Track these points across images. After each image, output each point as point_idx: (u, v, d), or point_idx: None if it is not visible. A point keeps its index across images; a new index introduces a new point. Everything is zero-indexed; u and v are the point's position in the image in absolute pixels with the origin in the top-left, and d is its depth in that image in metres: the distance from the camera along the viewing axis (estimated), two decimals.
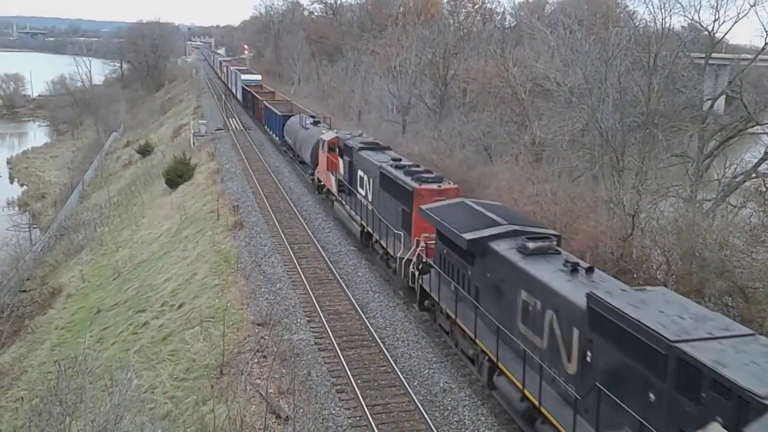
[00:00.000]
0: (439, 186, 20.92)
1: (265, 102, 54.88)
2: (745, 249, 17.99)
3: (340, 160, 28.71)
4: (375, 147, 26.95)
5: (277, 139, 47.30)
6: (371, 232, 24.28)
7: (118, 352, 20.89)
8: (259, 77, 75.95)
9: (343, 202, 28.19)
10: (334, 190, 29.68)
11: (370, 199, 24.70)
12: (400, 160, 24.46)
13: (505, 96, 40.71)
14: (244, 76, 74.07)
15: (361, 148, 26.37)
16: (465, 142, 37.86)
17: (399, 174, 22.28)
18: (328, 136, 31.51)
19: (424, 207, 18.66)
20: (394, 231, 21.67)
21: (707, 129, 29.72)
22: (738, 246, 18.30)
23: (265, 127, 53.72)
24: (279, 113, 46.70)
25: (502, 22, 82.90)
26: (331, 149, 30.10)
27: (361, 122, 54.13)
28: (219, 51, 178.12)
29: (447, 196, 20.03)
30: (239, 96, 74.89)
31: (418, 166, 23.94)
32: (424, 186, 20.78)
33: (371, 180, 24.61)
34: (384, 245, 22.53)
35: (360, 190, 26.02)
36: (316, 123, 39.66)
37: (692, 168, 28.34)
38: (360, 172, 25.99)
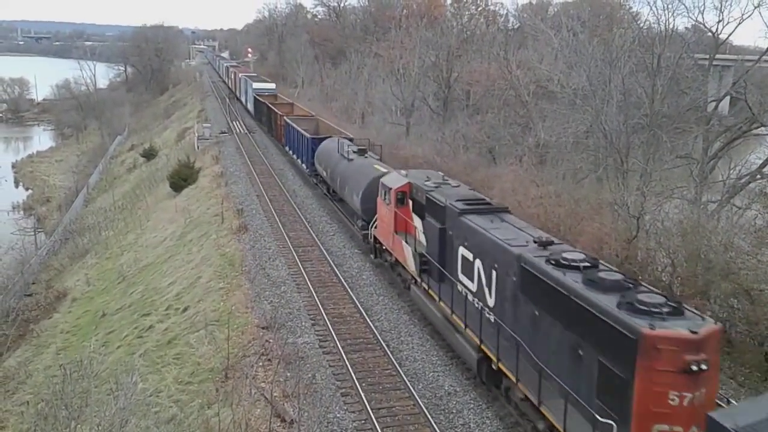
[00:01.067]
0: (695, 333, 10.04)
1: (286, 119, 44.77)
2: (750, 251, 17.93)
3: (421, 223, 19.19)
4: (487, 209, 16.99)
5: (304, 166, 37.41)
6: (506, 371, 13.97)
7: (123, 355, 20.93)
8: (273, 86, 67.49)
9: (431, 290, 18.21)
10: (411, 267, 19.62)
11: (491, 303, 14.89)
12: (550, 242, 13.91)
13: (509, 98, 40.73)
14: (256, 85, 66.02)
15: (464, 211, 16.58)
16: (469, 144, 37.91)
17: (576, 284, 11.76)
18: (394, 180, 21.26)
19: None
20: (578, 401, 11.27)
21: (712, 130, 29.66)
22: (743, 248, 18.24)
23: (286, 148, 44.20)
24: (308, 136, 36.63)
25: (505, 24, 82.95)
26: (400, 201, 20.48)
27: (364, 124, 54.21)
28: (223, 54, 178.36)
29: (707, 350, 10.15)
30: (250, 107, 67.13)
31: (596, 260, 12.93)
32: (663, 331, 10.08)
33: (494, 273, 14.66)
34: (551, 418, 12.00)
35: (466, 280, 16.20)
36: (362, 152, 29.32)
37: (697, 169, 28.29)
38: (465, 251, 16.19)
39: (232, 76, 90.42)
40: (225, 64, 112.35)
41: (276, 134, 49.73)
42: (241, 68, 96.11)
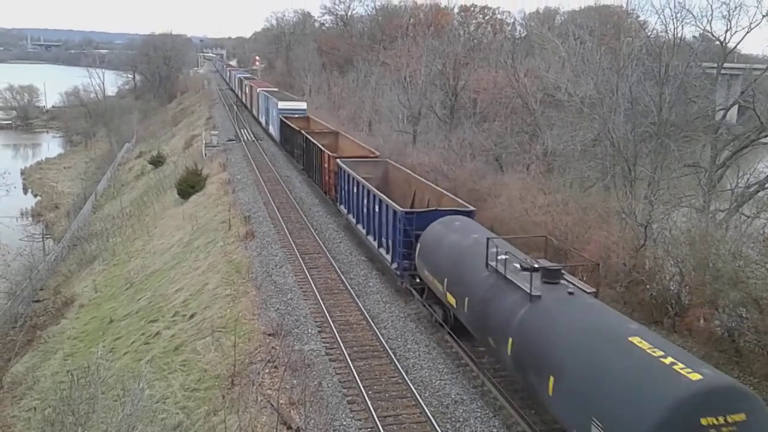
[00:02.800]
0: None
1: (341, 164, 28.94)
2: (759, 260, 17.82)
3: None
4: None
5: (387, 258, 22.74)
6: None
7: (130, 362, 20.95)
8: (304, 105, 53.45)
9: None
10: None
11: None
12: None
13: (516, 106, 40.73)
14: (283, 104, 51.96)
15: None
16: (476, 152, 37.89)
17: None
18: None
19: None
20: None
21: (720, 139, 29.61)
22: (752, 257, 18.14)
23: (341, 207, 29.43)
24: (398, 209, 21.56)
25: (512, 32, 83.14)
26: None
27: (371, 132, 54.30)
28: (231, 62, 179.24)
29: None
30: (274, 131, 53.96)
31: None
32: None
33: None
34: None
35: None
36: (552, 276, 14.22)
37: (705, 178, 28.21)
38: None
39: (247, 90, 78.34)
40: (237, 75, 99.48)
41: (319, 180, 34.31)
42: (259, 81, 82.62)
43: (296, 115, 49.70)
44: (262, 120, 62.89)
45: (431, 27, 71.48)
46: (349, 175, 27.62)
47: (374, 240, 24.24)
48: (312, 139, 37.30)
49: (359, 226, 26.36)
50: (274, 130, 53.96)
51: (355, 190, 26.62)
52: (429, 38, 56.23)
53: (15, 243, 43.32)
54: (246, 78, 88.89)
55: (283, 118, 48.45)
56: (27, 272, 35.94)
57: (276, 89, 70.00)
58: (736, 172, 28.64)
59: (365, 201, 25.14)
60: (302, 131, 40.76)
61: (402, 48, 63.33)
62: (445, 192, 23.62)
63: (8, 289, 33.33)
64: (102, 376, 17.21)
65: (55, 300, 31.74)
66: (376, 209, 23.70)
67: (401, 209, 21.36)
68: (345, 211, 28.61)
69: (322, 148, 34.16)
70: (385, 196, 23.33)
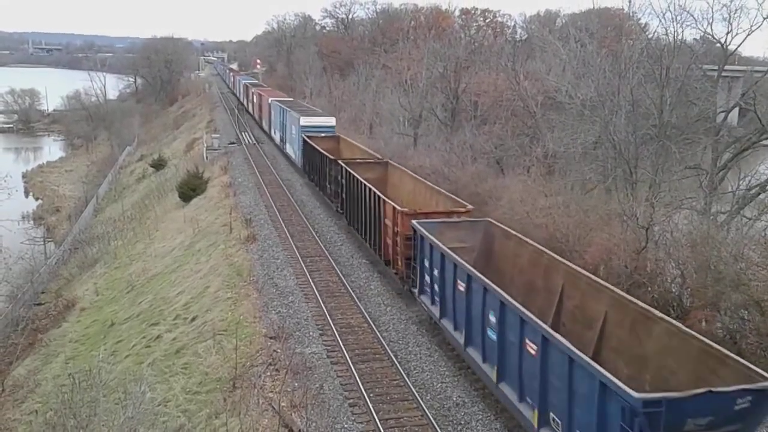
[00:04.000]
0: None
1: (423, 229, 19.18)
2: (760, 262, 17.81)
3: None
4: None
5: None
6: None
7: (131, 365, 20.95)
8: (332, 122, 43.28)
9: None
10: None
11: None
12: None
13: (517, 109, 40.75)
14: (306, 120, 41.99)
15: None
16: (477, 154, 37.90)
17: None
18: None
19: None
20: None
21: (721, 141, 29.61)
22: (753, 259, 18.13)
23: (423, 297, 19.47)
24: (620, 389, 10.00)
25: (513, 35, 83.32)
26: None
27: (372, 135, 54.35)
28: (232, 66, 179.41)
29: None
30: (293, 152, 44.22)
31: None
32: None
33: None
34: None
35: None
36: None
37: (706, 180, 28.21)
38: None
39: (254, 99, 69.10)
40: (242, 81, 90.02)
41: (375, 239, 24.33)
42: (269, 89, 72.05)
43: (323, 134, 39.79)
44: (276, 136, 52.93)
45: (432, 30, 71.61)
46: (437, 252, 17.79)
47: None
48: (356, 175, 26.70)
49: (466, 345, 16.34)
50: (293, 150, 43.66)
51: (451, 278, 16.89)
52: (430, 41, 56.34)
53: (16, 246, 43.34)
54: (253, 84, 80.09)
55: (307, 138, 38.46)
56: (28, 275, 35.97)
57: (290, 99, 60.88)
58: (737, 175, 28.64)
59: (480, 306, 15.20)
60: (340, 162, 29.76)
61: (403, 51, 63.47)
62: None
63: (10, 293, 33.37)
64: (103, 380, 17.19)
65: (57, 303, 31.74)
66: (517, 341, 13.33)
67: (636, 395, 9.66)
68: (431, 305, 18.61)
69: (381, 196, 23.26)
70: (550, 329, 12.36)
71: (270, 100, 57.03)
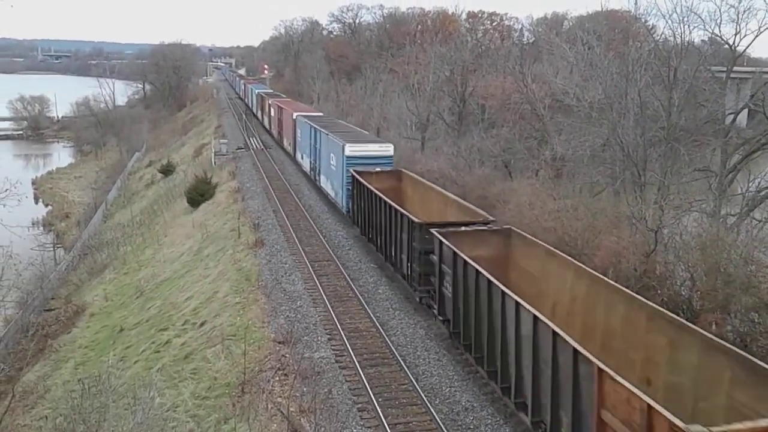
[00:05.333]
0: None
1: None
2: None
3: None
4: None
5: None
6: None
7: (140, 370, 21.01)
8: (389, 149, 32.01)
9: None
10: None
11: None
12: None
13: (525, 112, 40.66)
14: (353, 148, 31.03)
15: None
16: (484, 158, 37.88)
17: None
18: None
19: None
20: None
21: (730, 143, 29.42)
22: (764, 261, 18.01)
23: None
24: None
25: (520, 38, 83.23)
26: None
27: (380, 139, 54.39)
28: (240, 71, 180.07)
29: None
30: (331, 189, 34.06)
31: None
32: None
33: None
34: None
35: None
36: None
37: (715, 182, 28.03)
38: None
39: (272, 111, 59.55)
40: (255, 90, 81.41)
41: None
42: (290, 102, 60.80)
43: (377, 167, 29.40)
44: (303, 162, 42.35)
45: (439, 34, 71.62)
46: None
47: None
48: (466, 259, 16.53)
49: None
50: (332, 187, 33.48)
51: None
52: (437, 45, 56.33)
53: (26, 252, 43.53)
54: (268, 94, 70.64)
55: (357, 175, 27.96)
56: (38, 281, 36.15)
57: (320, 113, 50.04)
58: (746, 176, 28.46)
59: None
60: (435, 233, 18.78)
61: (410, 55, 63.48)
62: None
63: (20, 299, 33.50)
64: (113, 385, 17.25)
65: (66, 309, 31.88)
66: None
67: None
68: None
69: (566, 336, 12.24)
70: None
71: (295, 115, 45.63)
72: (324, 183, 36.20)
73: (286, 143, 52.19)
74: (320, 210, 35.13)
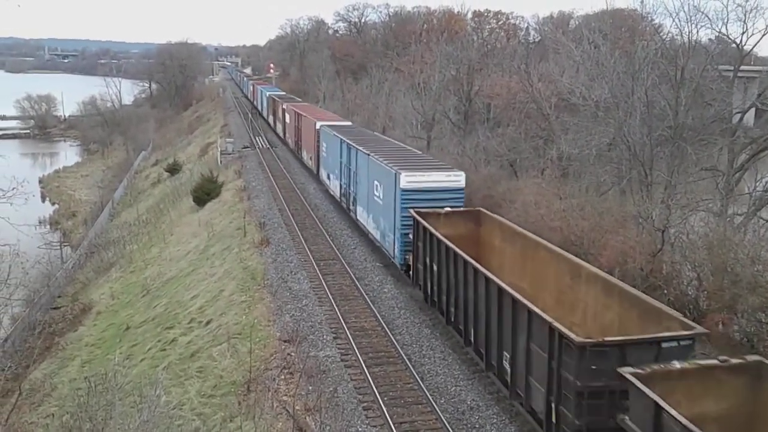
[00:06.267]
0: None
1: None
2: None
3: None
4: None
5: None
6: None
7: (146, 368, 21.08)
8: (459, 179, 23.33)
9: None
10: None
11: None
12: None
13: (530, 111, 40.57)
14: (411, 178, 22.91)
15: None
16: (490, 157, 37.80)
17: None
18: None
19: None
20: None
21: (737, 142, 29.31)
22: None
23: None
24: None
25: (526, 37, 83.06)
26: None
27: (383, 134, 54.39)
28: (245, 70, 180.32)
29: None
30: (381, 232, 25.45)
31: None
32: None
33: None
34: None
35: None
36: None
37: (722, 182, 27.94)
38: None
39: (287, 119, 52.97)
40: (267, 93, 73.81)
41: None
42: (308, 107, 52.65)
43: (444, 203, 22.17)
44: (332, 185, 34.50)
45: (444, 33, 71.51)
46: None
47: None
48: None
49: None
50: (377, 226, 25.80)
51: None
52: (442, 44, 56.24)
53: (33, 251, 43.66)
54: (281, 98, 64.54)
55: (419, 217, 20.85)
56: (45, 280, 36.26)
57: (348, 123, 42.24)
58: (753, 176, 28.38)
59: None
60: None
61: (415, 54, 63.42)
62: None
63: (27, 297, 33.59)
64: (119, 383, 17.29)
65: (73, 307, 32.01)
66: None
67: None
68: None
69: None
70: None
71: (318, 125, 38.42)
72: (363, 217, 28.23)
73: (305, 156, 44.36)
74: (326, 209, 35.14)
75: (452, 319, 18.62)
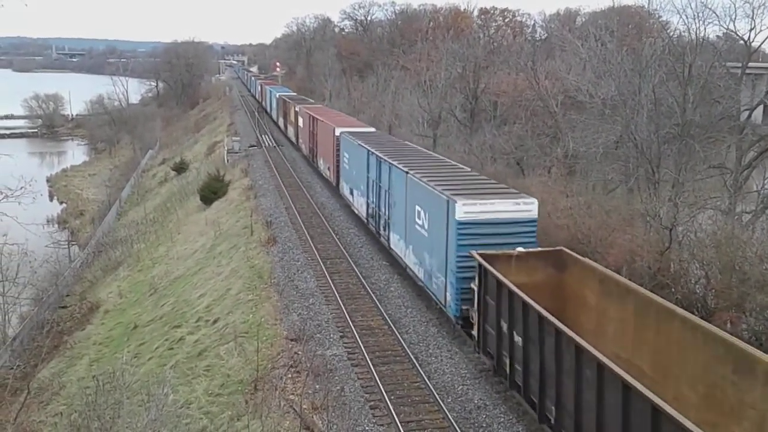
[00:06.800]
0: None
1: None
2: None
3: None
4: None
5: None
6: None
7: (154, 367, 21.14)
8: (532, 207, 18.51)
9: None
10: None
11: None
12: None
13: (537, 109, 40.52)
14: (469, 207, 17.92)
15: None
16: (496, 155, 37.78)
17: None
18: None
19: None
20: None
21: (745, 140, 29.19)
22: None
23: None
24: None
25: (532, 34, 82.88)
26: None
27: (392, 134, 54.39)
28: (252, 69, 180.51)
29: None
30: (436, 284, 19.66)
31: None
32: None
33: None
34: None
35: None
36: None
37: (730, 179, 27.82)
38: None
39: (300, 122, 48.47)
40: (277, 93, 69.51)
41: None
42: (324, 110, 47.89)
43: (512, 239, 17.81)
44: (357, 202, 30.36)
45: (451, 30, 71.45)
46: None
47: None
48: None
49: None
50: (422, 264, 21.13)
51: None
52: (448, 42, 56.24)
53: (41, 250, 43.86)
54: (293, 99, 59.71)
55: (484, 262, 16.10)
56: (53, 279, 36.41)
57: (372, 129, 37.31)
58: (762, 173, 28.26)
59: None
60: None
61: (421, 52, 63.45)
62: None
63: (35, 296, 33.80)
64: (127, 382, 17.34)
65: (81, 306, 32.15)
66: None
67: None
68: None
69: None
70: None
71: (338, 131, 34.16)
72: (399, 248, 23.65)
73: (322, 166, 39.96)
74: (332, 207, 35.15)
75: (520, 385, 14.40)
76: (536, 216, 18.70)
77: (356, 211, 30.92)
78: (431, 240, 20.15)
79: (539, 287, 15.49)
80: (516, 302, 14.30)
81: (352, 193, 31.41)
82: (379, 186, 26.09)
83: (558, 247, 17.38)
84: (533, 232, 18.49)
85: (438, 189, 19.53)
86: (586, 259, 16.35)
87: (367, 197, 28.16)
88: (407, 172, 22.28)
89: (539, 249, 17.48)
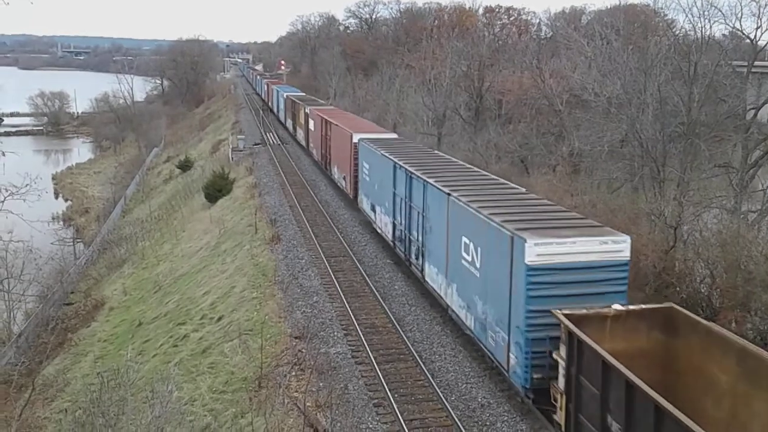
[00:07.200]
0: None
1: None
2: None
3: None
4: None
5: None
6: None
7: (158, 364, 21.19)
8: (623, 246, 14.39)
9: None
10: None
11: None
12: None
13: (542, 107, 40.47)
14: (542, 246, 13.75)
15: None
16: (501, 154, 37.75)
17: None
18: None
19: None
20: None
21: (751, 138, 29.10)
22: None
23: None
24: None
25: (537, 33, 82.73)
26: None
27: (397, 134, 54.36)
28: (257, 67, 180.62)
29: None
30: (495, 341, 15.50)
31: None
32: None
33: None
34: None
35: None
36: None
37: (736, 178, 27.74)
38: None
39: (311, 125, 45.08)
40: (285, 94, 65.89)
41: None
42: (338, 113, 44.40)
43: (597, 288, 13.81)
44: (381, 221, 26.69)
45: (455, 29, 71.38)
46: None
47: None
48: None
49: None
50: (474, 314, 16.84)
51: None
52: (453, 40, 56.20)
53: (46, 247, 44.04)
54: (303, 100, 55.86)
55: (573, 325, 12.07)
56: (58, 276, 36.55)
57: (394, 135, 34.44)
58: (767, 172, 28.15)
59: None
60: None
61: (426, 50, 63.37)
62: None
63: (40, 293, 33.93)
64: (131, 379, 17.42)
65: (86, 303, 32.25)
66: None
67: None
68: None
69: None
70: None
71: (356, 138, 30.85)
72: (439, 284, 19.83)
73: (336, 175, 36.46)
74: (336, 205, 35.16)
75: None
76: (629, 258, 14.41)
77: (379, 231, 27.10)
78: (485, 282, 16.01)
79: (641, 357, 11.86)
80: (611, 375, 10.64)
81: (374, 209, 27.86)
82: (410, 206, 22.27)
83: (667, 304, 13.01)
84: (624, 279, 14.29)
85: (496, 220, 15.31)
86: (713, 324, 12.04)
87: (394, 217, 24.37)
88: (449, 194, 18.36)
89: (642, 306, 13.03)
